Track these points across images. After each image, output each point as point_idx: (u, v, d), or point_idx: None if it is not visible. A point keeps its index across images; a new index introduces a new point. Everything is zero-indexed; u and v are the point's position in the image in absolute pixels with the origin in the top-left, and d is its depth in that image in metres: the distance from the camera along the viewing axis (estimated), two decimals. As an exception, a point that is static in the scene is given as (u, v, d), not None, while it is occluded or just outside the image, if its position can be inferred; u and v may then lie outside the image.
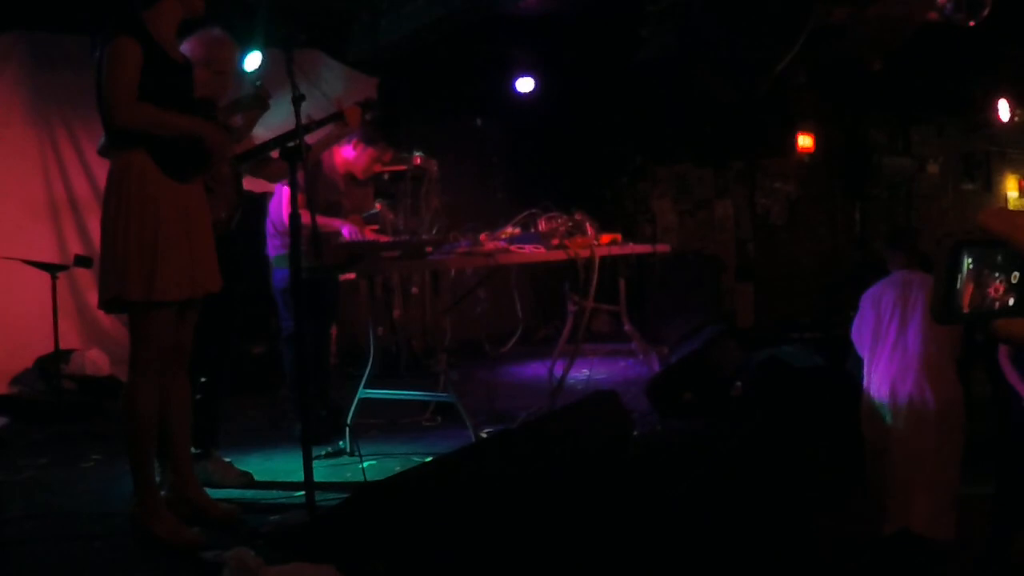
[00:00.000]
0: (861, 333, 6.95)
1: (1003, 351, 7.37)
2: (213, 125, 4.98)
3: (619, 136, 13.69)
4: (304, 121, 5.26)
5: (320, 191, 6.69)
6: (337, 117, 6.10)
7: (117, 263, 4.62)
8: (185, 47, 5.39)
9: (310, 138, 5.84)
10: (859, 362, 6.99)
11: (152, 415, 4.82)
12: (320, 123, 5.99)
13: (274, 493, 5.70)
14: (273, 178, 6.31)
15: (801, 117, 12.76)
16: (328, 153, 6.87)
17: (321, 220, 5.64)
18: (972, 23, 9.70)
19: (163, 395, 4.99)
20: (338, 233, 6.56)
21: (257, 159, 5.90)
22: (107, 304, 4.77)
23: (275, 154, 5.79)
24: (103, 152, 4.81)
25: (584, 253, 7.19)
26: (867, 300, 7.01)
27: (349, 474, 6.11)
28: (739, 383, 7.82)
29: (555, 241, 7.12)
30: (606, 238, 7.56)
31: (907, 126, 13.26)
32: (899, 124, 13.26)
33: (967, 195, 13.67)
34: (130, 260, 4.60)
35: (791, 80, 11.84)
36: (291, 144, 4.99)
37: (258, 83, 5.91)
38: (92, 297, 8.78)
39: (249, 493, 5.69)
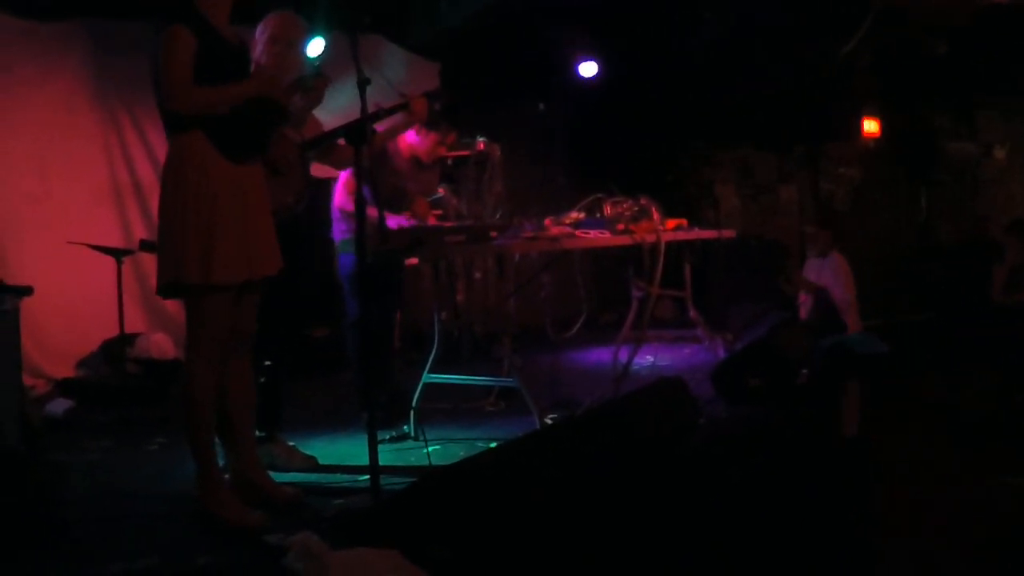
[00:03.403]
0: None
1: None
2: (259, 76, 4.96)
3: (682, 120, 13.57)
4: (371, 108, 5.23)
5: (387, 177, 6.67)
6: (404, 107, 6.06)
7: (175, 247, 4.65)
8: (259, 28, 5.45)
9: (377, 126, 5.82)
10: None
11: (211, 399, 4.84)
12: (388, 112, 5.95)
13: (338, 477, 5.72)
14: (339, 165, 6.29)
15: (865, 101, 12.61)
16: (393, 140, 6.85)
17: (372, 211, 5.57)
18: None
19: (226, 379, 5.00)
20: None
21: (324, 145, 5.89)
22: (164, 289, 4.78)
23: (342, 141, 5.78)
24: None
25: (650, 238, 7.12)
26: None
27: (414, 458, 6.11)
28: (805, 370, 7.73)
29: (620, 226, 7.06)
30: (671, 223, 7.49)
31: (972, 110, 13.08)
32: (964, 108, 13.07)
33: (1035, 181, 13.46)
34: (188, 243, 4.62)
35: (855, 64, 11.72)
36: (356, 128, 4.97)
37: (317, 66, 5.89)
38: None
39: (313, 477, 5.72)
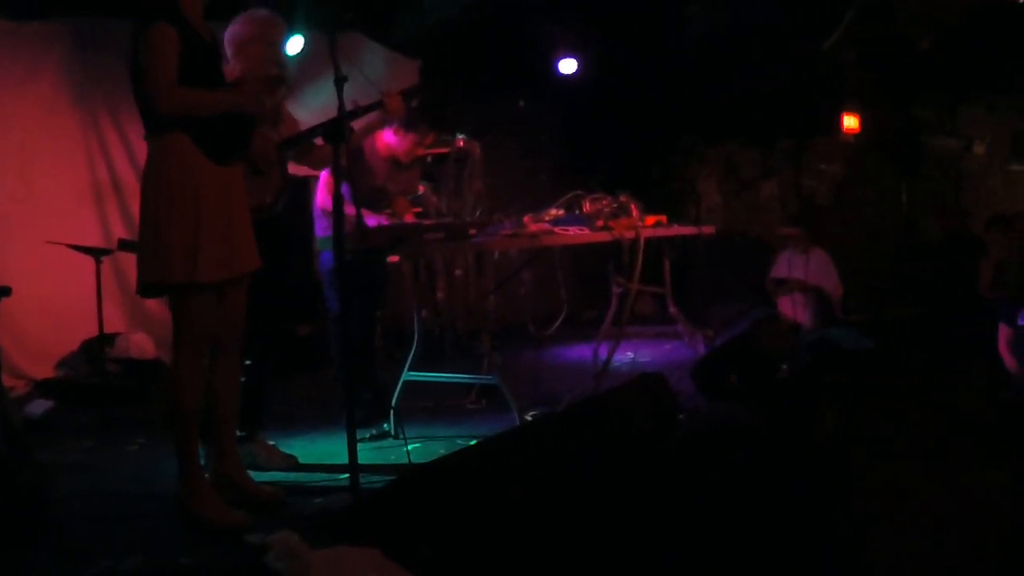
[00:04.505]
0: None
1: (1002, 337, 7.33)
2: (247, 93, 4.94)
3: (669, 118, 13.57)
4: (349, 106, 5.22)
5: (364, 177, 6.67)
6: (379, 105, 6.04)
7: (159, 247, 4.62)
8: (235, 27, 5.43)
9: (354, 124, 5.81)
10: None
11: (196, 398, 4.83)
12: (365, 109, 5.94)
13: (318, 476, 5.72)
14: (317, 164, 6.27)
15: (849, 96, 12.62)
16: (370, 139, 6.84)
17: (350, 209, 5.58)
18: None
19: (213, 377, 5.00)
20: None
21: (302, 145, 5.88)
22: (145, 288, 4.77)
23: (319, 140, 5.77)
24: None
25: (629, 235, 7.14)
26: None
27: (393, 457, 6.11)
28: (785, 366, 7.75)
29: (600, 223, 7.08)
30: (651, 219, 7.51)
31: (955, 106, 13.08)
32: (947, 103, 13.08)
33: (1015, 176, 13.46)
34: (173, 243, 4.59)
35: (840, 59, 11.75)
36: (334, 126, 4.96)
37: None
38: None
39: (293, 476, 5.71)
